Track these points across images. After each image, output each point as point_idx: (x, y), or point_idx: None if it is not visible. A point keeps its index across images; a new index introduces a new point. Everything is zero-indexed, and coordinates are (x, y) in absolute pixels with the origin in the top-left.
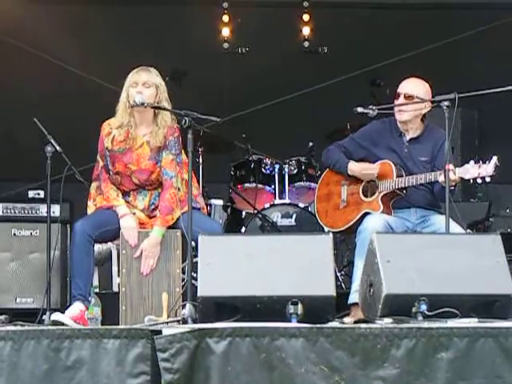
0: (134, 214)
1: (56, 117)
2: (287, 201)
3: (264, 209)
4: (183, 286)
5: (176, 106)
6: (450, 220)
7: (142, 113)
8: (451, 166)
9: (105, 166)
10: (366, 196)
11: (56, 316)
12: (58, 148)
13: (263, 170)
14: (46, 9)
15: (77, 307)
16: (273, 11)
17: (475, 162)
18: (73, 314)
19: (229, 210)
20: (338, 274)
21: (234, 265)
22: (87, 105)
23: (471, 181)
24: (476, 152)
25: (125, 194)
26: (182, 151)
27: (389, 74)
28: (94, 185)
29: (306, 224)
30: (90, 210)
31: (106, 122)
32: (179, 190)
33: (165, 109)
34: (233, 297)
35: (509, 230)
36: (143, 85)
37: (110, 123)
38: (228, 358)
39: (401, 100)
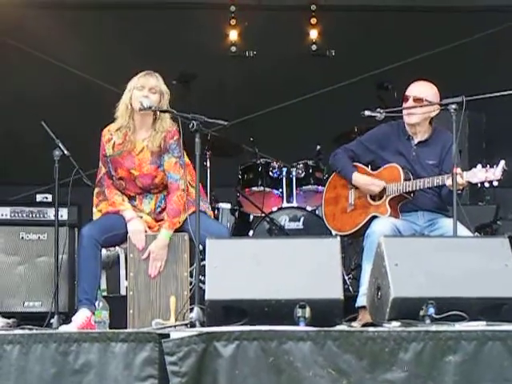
0: (141, 217)
1: (63, 120)
2: (295, 204)
3: (272, 212)
4: (191, 290)
5: (183, 109)
6: (458, 223)
7: (143, 117)
8: (459, 170)
9: (107, 173)
10: (373, 199)
11: (63, 329)
12: (65, 152)
13: (271, 173)
14: (50, 12)
15: (83, 314)
16: (280, 14)
17: (483, 166)
18: (80, 323)
19: (236, 213)
20: (346, 278)
21: (242, 268)
22: (95, 108)
23: (479, 185)
24: (483, 155)
25: (130, 198)
26: (184, 153)
27: (396, 77)
28: (95, 191)
29: (314, 227)
30: (96, 216)
31: (106, 128)
32: (184, 191)
33: (173, 112)
34: (240, 300)
35: None
36: (150, 90)
37: (110, 129)
38: (236, 362)
39: (409, 103)
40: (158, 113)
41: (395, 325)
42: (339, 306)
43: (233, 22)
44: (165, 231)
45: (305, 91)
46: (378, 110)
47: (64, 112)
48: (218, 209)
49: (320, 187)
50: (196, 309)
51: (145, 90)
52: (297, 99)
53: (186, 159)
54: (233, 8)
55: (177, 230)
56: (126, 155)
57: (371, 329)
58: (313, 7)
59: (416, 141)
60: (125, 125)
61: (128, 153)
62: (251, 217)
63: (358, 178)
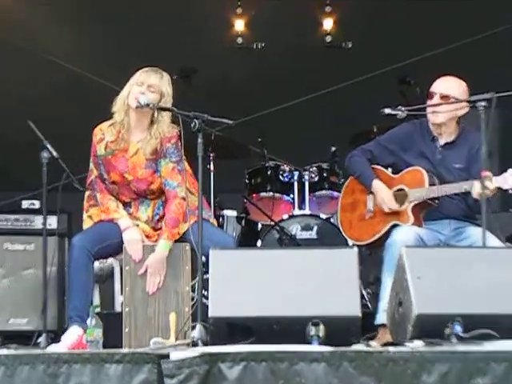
0: (138, 226)
1: (53, 120)
2: (307, 211)
3: (282, 220)
4: (193, 306)
5: (185, 106)
6: (487, 232)
7: (139, 116)
8: (488, 174)
9: (99, 176)
10: None
11: (51, 349)
12: (54, 154)
13: (281, 177)
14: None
15: (74, 332)
16: (291, 2)
17: None
18: (70, 342)
19: (243, 221)
20: (364, 292)
21: (249, 282)
22: (86, 104)
23: (510, 191)
24: None
25: (125, 204)
26: (184, 158)
27: (420, 71)
28: (86, 195)
29: (329, 237)
30: (86, 223)
31: (98, 127)
32: (184, 199)
33: (173, 110)
34: (247, 317)
35: None
36: (149, 87)
37: (102, 128)
38: None
39: (435, 100)
40: (156, 116)
41: (418, 344)
42: (356, 323)
43: (239, 10)
44: (163, 242)
45: (318, 87)
46: (400, 107)
47: (52, 109)
48: (223, 216)
49: (335, 193)
50: (198, 327)
51: (143, 86)
52: (309, 96)
53: (186, 165)
54: None
55: (178, 240)
56: (119, 157)
57: (392, 349)
58: None
59: (442, 142)
60: (119, 121)
61: (121, 154)
62: (259, 225)
63: (377, 186)
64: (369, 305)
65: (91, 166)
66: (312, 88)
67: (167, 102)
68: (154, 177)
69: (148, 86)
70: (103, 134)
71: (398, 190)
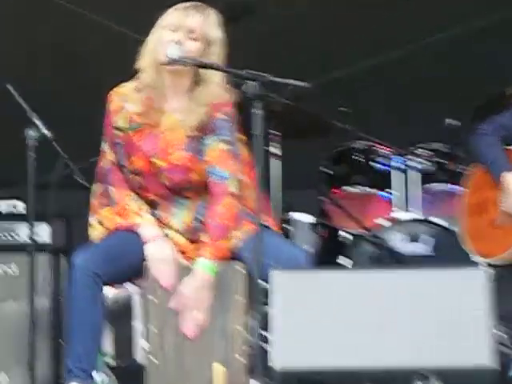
0: (167, 236)
1: (43, 84)
2: (416, 215)
3: (378, 227)
4: (249, 354)
5: (234, 63)
6: None
7: (175, 75)
8: None
9: (117, 162)
10: None
11: None
12: (45, 132)
13: (375, 164)
14: None
15: None
16: None
17: None
18: None
19: (320, 229)
20: (501, 333)
21: (329, 318)
22: (101, 65)
23: None
24: None
25: (151, 205)
26: (243, 138)
27: None
28: (96, 190)
29: (448, 251)
30: (94, 231)
31: (115, 90)
32: (237, 197)
33: (218, 68)
34: (326, 370)
35: None
36: (188, 33)
37: (121, 91)
38: None
39: None
40: (203, 74)
41: None
42: (489, 378)
43: None
44: (205, 262)
45: (428, 32)
46: None
47: (55, 74)
48: (291, 222)
49: (457, 187)
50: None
51: (180, 32)
52: (415, 44)
53: (242, 148)
54: None
55: (226, 258)
56: (145, 133)
57: None
58: None
59: None
60: (149, 83)
61: (149, 129)
62: (344, 235)
63: (508, 181)
64: (508, 351)
65: (104, 146)
66: (419, 33)
67: (217, 53)
68: (195, 162)
69: (188, 31)
70: (123, 101)
71: None
